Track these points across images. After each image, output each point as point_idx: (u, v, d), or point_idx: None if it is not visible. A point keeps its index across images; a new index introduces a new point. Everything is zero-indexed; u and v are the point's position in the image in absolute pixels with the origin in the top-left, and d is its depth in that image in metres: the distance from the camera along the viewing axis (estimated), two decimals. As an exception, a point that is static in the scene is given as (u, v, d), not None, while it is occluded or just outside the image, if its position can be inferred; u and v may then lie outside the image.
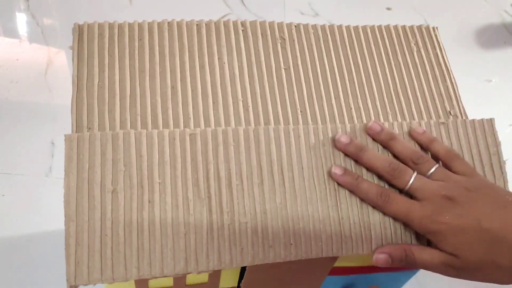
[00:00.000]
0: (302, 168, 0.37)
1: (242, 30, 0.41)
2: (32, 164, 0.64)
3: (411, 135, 0.38)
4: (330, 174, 0.36)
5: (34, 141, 0.67)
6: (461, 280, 0.61)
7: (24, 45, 0.79)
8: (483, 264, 0.32)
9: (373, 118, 0.40)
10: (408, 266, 0.35)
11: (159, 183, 0.34)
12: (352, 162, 0.37)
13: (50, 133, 0.67)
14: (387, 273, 0.49)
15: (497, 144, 0.40)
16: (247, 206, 0.35)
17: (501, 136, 0.77)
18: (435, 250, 0.34)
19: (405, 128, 0.39)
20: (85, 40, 0.38)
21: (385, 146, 0.38)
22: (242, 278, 0.42)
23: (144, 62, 0.38)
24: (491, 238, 0.32)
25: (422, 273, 0.59)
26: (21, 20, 0.87)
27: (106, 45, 0.38)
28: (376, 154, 0.36)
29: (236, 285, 0.44)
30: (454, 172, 0.36)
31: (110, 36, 0.38)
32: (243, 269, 0.41)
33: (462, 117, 0.42)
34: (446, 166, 0.37)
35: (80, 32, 0.38)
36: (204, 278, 0.41)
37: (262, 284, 0.43)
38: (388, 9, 0.95)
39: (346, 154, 0.37)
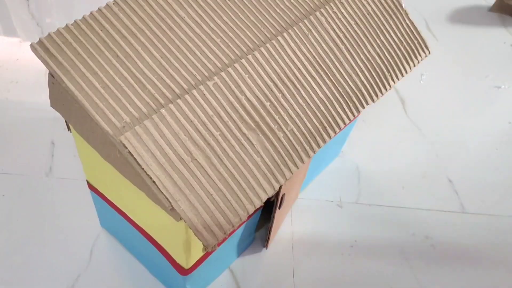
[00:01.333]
0: (299, 68, 0.43)
1: None
2: (32, 164, 0.64)
3: None
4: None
5: (34, 141, 0.66)
6: (463, 280, 0.60)
7: (24, 45, 0.79)
8: None
9: (307, 8, 0.46)
10: None
11: (219, 134, 0.37)
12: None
13: (50, 133, 0.67)
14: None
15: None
16: (285, 116, 0.40)
17: (500, 135, 0.77)
18: None
19: (340, 6, 0.47)
20: (56, 54, 0.36)
21: None
22: None
23: (123, 47, 0.38)
24: None
25: (422, 273, 0.59)
26: (21, 20, 0.85)
27: (79, 49, 0.37)
28: None
29: None
30: None
31: (75, 39, 0.37)
32: None
33: None
34: None
35: (45, 49, 0.36)
36: None
37: (289, 182, 0.49)
38: (388, 9, 0.95)
39: None
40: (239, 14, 0.43)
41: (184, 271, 0.45)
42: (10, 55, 0.75)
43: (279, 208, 0.51)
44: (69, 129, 0.44)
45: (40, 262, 0.54)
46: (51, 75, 0.37)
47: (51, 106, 0.41)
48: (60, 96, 0.39)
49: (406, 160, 0.72)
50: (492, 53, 0.89)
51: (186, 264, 0.44)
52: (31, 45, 0.36)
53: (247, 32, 0.43)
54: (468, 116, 0.79)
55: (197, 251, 0.44)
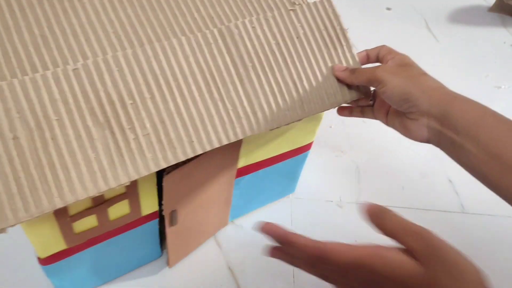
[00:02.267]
0: (185, 75, 0.39)
1: None
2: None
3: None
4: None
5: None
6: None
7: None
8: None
9: (232, 20, 0.43)
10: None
11: (56, 120, 0.35)
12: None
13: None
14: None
15: (338, 17, 0.46)
16: (145, 119, 0.38)
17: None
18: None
19: (263, 21, 0.43)
20: None
21: None
22: (161, 200, 0.44)
23: (6, 20, 0.37)
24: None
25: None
26: None
27: None
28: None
29: (157, 209, 0.47)
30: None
31: None
32: (160, 191, 0.43)
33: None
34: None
35: None
36: (126, 209, 0.44)
37: (182, 198, 0.46)
38: (388, 9, 0.95)
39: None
40: (149, 11, 0.41)
41: (40, 260, 0.44)
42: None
43: (172, 224, 0.47)
44: None
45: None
46: None
47: None
48: None
49: (406, 160, 0.71)
50: (492, 53, 0.89)
51: (40, 253, 0.42)
52: None
53: (148, 30, 0.40)
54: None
55: (53, 244, 0.42)
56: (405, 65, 0.44)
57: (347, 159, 0.69)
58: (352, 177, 0.68)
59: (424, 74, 0.43)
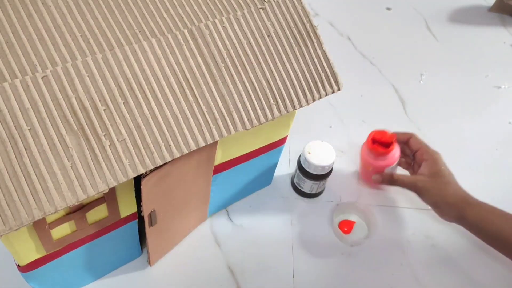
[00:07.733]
0: (158, 78, 0.39)
1: None
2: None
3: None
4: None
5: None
6: (463, 280, 0.60)
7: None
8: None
9: (203, 20, 0.42)
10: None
11: (29, 129, 0.34)
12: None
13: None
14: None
15: (308, 14, 0.46)
16: (120, 125, 0.37)
17: (500, 135, 0.77)
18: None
19: (234, 21, 0.43)
20: None
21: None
22: (140, 201, 0.44)
23: None
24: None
25: (422, 273, 0.59)
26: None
27: None
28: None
29: (136, 210, 0.47)
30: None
31: None
32: (138, 194, 0.43)
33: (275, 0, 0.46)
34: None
35: None
36: (104, 212, 0.43)
37: (161, 199, 0.45)
38: (388, 9, 0.95)
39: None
40: (116, 12, 0.40)
41: (19, 268, 0.44)
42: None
43: (152, 225, 0.47)
44: None
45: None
46: None
47: None
48: None
49: (406, 160, 0.71)
50: (492, 53, 0.89)
51: (19, 261, 0.42)
52: None
53: (117, 32, 0.39)
54: (468, 116, 0.78)
55: (32, 252, 0.41)
56: (436, 174, 0.57)
57: (347, 159, 0.69)
58: (352, 177, 0.68)
59: (449, 182, 0.57)
